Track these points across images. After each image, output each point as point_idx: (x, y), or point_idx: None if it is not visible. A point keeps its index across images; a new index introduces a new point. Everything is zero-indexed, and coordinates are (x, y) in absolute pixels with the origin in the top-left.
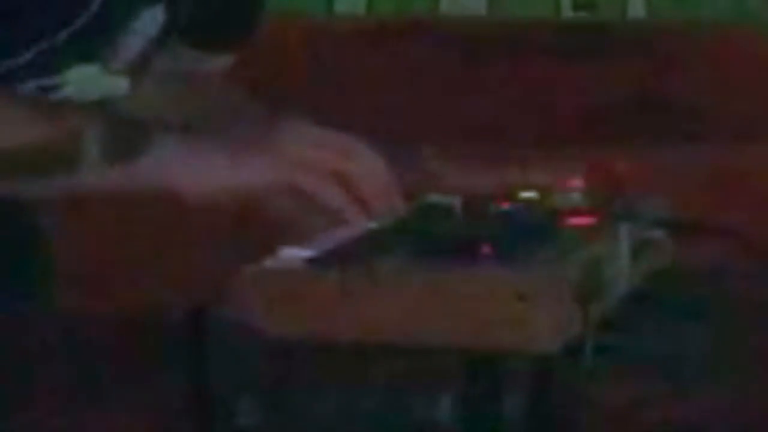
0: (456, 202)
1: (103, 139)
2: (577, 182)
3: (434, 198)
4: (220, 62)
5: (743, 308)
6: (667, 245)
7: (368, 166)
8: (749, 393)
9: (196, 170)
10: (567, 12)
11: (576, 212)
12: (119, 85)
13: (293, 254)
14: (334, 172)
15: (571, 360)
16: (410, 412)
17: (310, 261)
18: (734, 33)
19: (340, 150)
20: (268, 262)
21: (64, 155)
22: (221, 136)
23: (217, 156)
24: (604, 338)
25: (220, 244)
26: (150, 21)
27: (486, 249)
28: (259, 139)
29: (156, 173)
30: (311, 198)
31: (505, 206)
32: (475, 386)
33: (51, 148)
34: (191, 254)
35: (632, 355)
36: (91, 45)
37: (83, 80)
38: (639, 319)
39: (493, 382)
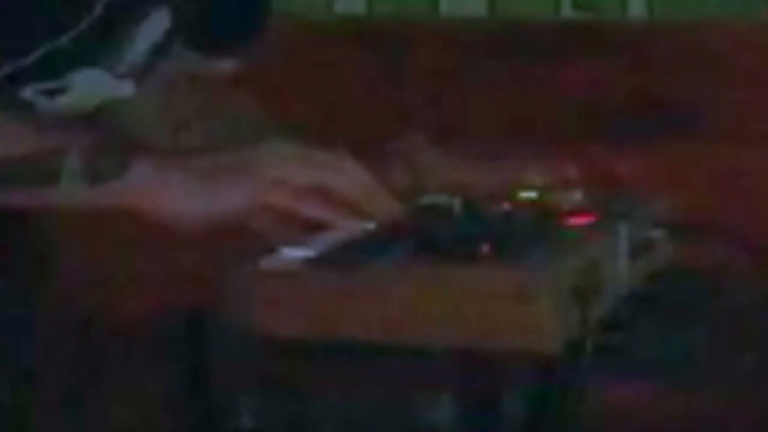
0: (456, 202)
1: (85, 157)
2: (577, 182)
3: (434, 198)
4: (225, 66)
5: (743, 308)
6: (667, 245)
7: (349, 177)
8: (749, 393)
9: (171, 196)
10: (567, 12)
11: (576, 212)
12: (124, 88)
13: (293, 254)
14: (311, 187)
15: (571, 360)
16: (410, 412)
17: (310, 261)
18: (734, 33)
19: (319, 165)
20: (268, 262)
21: (46, 170)
22: (201, 157)
23: (193, 181)
24: (604, 338)
25: (218, 245)
26: (155, 25)
27: (486, 249)
28: (237, 162)
29: (132, 196)
30: (288, 216)
31: (505, 206)
32: (475, 386)
33: (32, 162)
34: (191, 254)
35: (632, 355)
36: (96, 48)
37: (87, 84)
38: (639, 319)
39: (493, 382)
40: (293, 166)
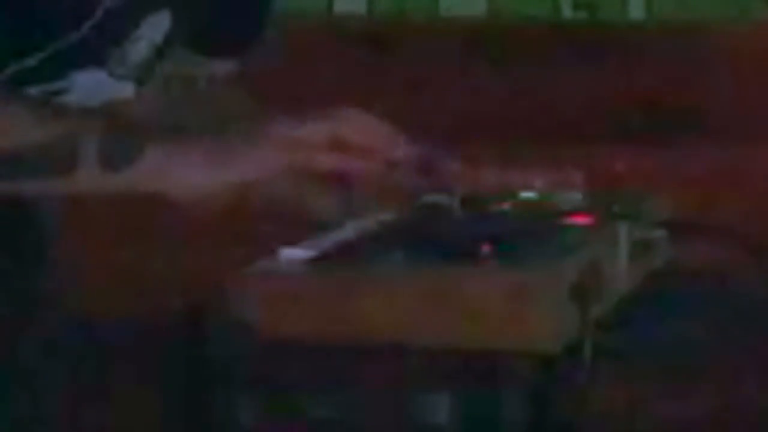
0: (456, 202)
1: (99, 144)
2: (577, 182)
3: (434, 198)
4: (225, 67)
5: (743, 308)
6: (667, 245)
7: (359, 123)
8: (748, 392)
9: (188, 175)
10: (567, 12)
11: (576, 212)
12: (124, 90)
13: (293, 254)
14: (327, 140)
15: (571, 360)
16: (410, 412)
17: (310, 261)
18: (734, 33)
19: (329, 119)
20: (268, 262)
21: (61, 159)
22: (215, 138)
23: (209, 156)
24: (604, 338)
25: (219, 245)
26: (156, 26)
27: (486, 249)
28: (250, 133)
29: (150, 179)
30: (309, 174)
31: (505, 206)
32: (475, 386)
33: (48, 151)
34: (191, 255)
35: (632, 355)
36: (98, 50)
37: (89, 85)
38: (639, 319)
39: (493, 382)
40: (305, 126)
